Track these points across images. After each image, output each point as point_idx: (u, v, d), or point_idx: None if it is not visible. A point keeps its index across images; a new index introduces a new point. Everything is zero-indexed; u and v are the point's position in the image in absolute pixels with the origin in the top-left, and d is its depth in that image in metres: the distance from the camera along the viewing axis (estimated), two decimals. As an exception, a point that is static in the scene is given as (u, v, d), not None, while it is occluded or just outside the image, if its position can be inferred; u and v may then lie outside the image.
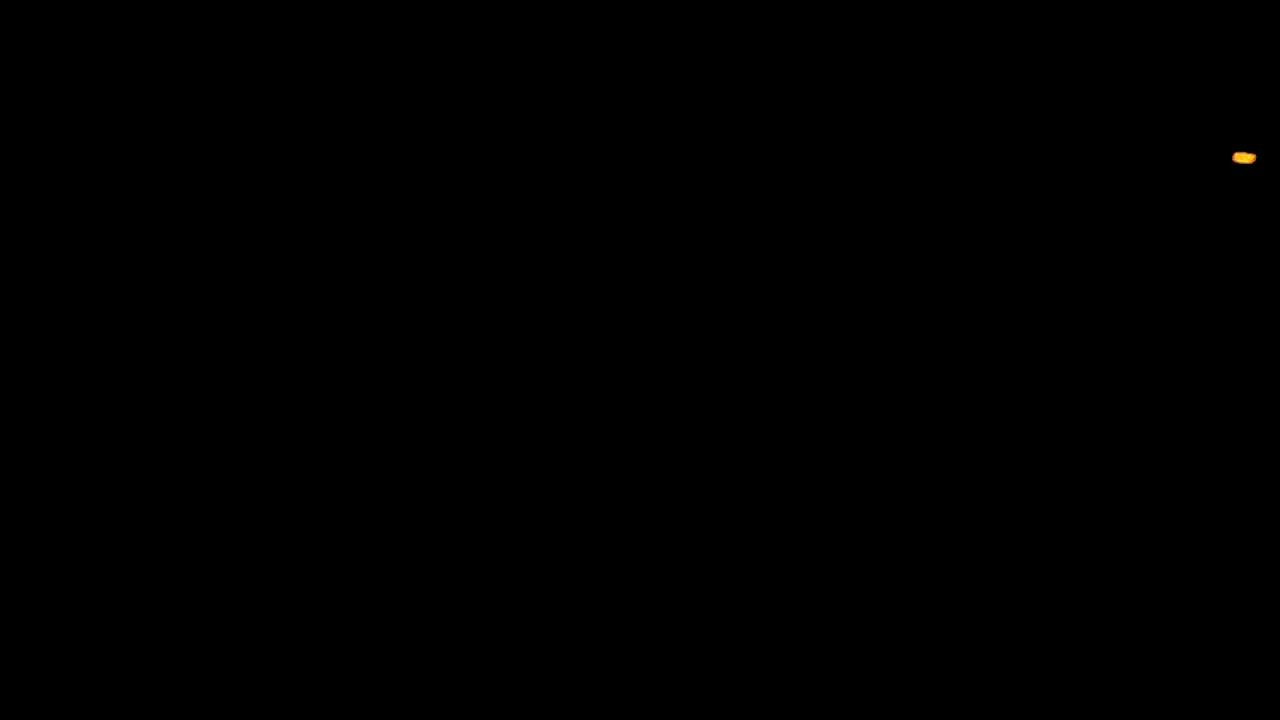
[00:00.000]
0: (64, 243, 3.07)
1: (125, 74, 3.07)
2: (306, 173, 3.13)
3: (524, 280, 3.14)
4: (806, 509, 3.11)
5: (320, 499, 3.08)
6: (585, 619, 3.04)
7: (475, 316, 3.14)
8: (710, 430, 3.14)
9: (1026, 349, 3.15)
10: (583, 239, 3.14)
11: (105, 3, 3.01)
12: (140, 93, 3.08)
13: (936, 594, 3.06)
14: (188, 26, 3.06)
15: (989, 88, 3.11)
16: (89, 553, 3.02)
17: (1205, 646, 2.98)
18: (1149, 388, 3.11)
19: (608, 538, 3.09)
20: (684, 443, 3.14)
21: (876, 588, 3.07)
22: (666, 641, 3.03)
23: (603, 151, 3.13)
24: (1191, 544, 3.05)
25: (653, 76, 3.09)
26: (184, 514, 3.05)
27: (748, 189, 3.16)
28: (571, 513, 3.11)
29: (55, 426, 3.05)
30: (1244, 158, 2.54)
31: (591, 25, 3.06)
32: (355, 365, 3.13)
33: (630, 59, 3.08)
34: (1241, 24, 3.00)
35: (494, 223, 3.15)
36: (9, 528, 3.00)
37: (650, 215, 3.15)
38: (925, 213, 3.17)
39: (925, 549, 3.09)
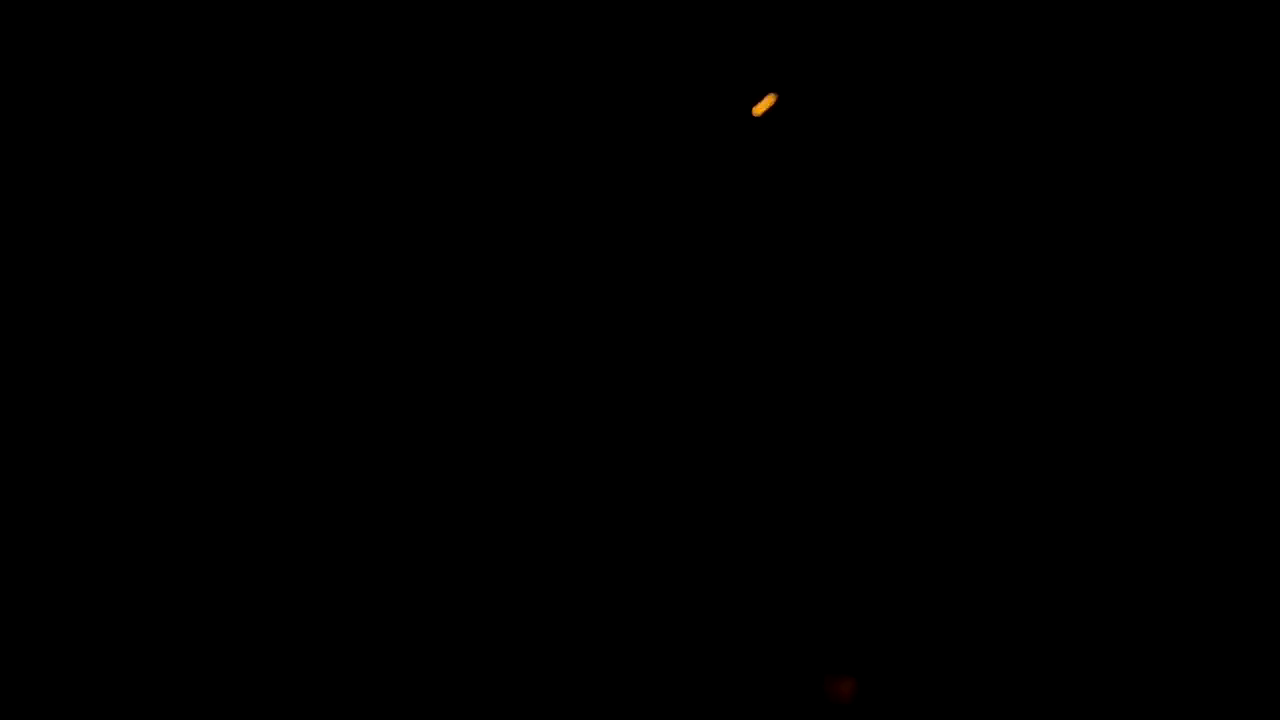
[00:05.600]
0: (63, 242, 3.07)
1: (125, 74, 3.07)
2: (306, 173, 3.13)
3: (523, 280, 3.14)
4: (805, 509, 3.11)
5: (319, 498, 3.08)
6: (584, 619, 3.03)
7: (474, 316, 3.13)
8: (709, 430, 3.14)
9: (1025, 348, 3.15)
10: (582, 239, 3.14)
11: (105, 2, 3.01)
12: (140, 92, 3.08)
13: (936, 594, 3.06)
14: (188, 26, 3.06)
15: (987, 87, 3.12)
16: (88, 552, 3.01)
17: (1205, 647, 2.98)
18: (1147, 387, 3.11)
19: (606, 538, 3.09)
20: (683, 442, 3.14)
21: (876, 588, 3.06)
22: (666, 641, 3.03)
23: (602, 151, 3.14)
24: (1192, 544, 3.05)
25: (652, 77, 3.09)
26: (183, 513, 3.05)
27: (747, 189, 3.17)
28: (570, 513, 3.11)
29: (55, 426, 3.05)
30: (765, 105, 2.22)
31: (592, 25, 3.06)
32: (354, 365, 3.13)
33: (630, 59, 3.08)
34: (1240, 24, 3.01)
35: (493, 223, 3.15)
36: (9, 528, 3.00)
37: (649, 215, 3.15)
38: (924, 212, 3.17)
39: (925, 549, 3.09)
